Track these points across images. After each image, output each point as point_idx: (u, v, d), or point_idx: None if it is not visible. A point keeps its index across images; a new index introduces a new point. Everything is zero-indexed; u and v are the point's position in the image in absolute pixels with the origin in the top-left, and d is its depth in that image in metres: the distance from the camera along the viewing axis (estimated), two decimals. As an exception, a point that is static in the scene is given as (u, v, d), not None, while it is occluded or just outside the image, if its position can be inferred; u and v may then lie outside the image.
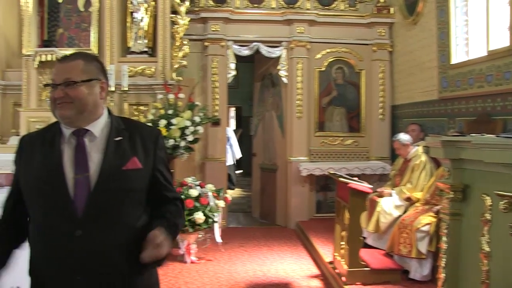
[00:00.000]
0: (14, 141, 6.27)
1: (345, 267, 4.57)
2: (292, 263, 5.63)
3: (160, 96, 6.34)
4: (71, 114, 1.79)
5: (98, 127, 1.85)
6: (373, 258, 4.79)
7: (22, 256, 2.91)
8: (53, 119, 1.89)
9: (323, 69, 7.68)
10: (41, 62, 6.40)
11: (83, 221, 1.74)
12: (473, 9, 5.35)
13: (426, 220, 4.59)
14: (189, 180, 5.71)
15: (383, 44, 7.62)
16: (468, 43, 5.44)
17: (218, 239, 5.76)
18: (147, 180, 1.89)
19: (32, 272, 1.86)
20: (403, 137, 5.60)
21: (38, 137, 1.90)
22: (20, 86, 6.54)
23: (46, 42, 6.63)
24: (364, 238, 5.34)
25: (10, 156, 6.65)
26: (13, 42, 6.87)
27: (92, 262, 1.74)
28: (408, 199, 5.23)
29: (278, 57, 7.59)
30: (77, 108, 1.78)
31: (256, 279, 5.09)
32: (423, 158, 5.34)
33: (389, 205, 5.28)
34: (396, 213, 5.19)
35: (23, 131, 6.02)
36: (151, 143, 1.92)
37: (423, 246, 4.50)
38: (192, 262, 5.58)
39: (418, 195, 5.19)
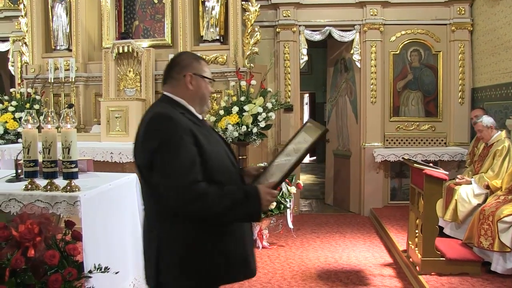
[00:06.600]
0: (96, 129, 6.63)
1: (419, 256, 4.43)
2: (364, 251, 5.54)
3: (232, 83, 6.44)
4: None
5: None
6: (450, 248, 4.60)
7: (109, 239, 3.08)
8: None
9: (398, 52, 7.42)
10: (118, 53, 6.71)
11: None
12: None
13: (509, 210, 4.32)
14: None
15: (462, 23, 7.20)
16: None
17: (290, 225, 5.79)
18: None
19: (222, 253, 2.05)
20: (487, 119, 5.28)
21: (184, 118, 1.99)
22: (100, 77, 6.95)
23: (123, 35, 6.95)
24: (441, 228, 5.13)
25: (93, 144, 7.02)
26: (94, 36, 7.30)
27: None
28: (488, 186, 4.95)
29: (351, 41, 7.43)
30: None
31: (328, 266, 5.06)
32: (507, 143, 5.02)
33: (468, 193, 5.04)
34: (475, 201, 4.95)
35: (103, 120, 6.37)
36: None
37: (506, 238, 4.21)
38: (263, 248, 5.64)
39: (499, 183, 4.89)
